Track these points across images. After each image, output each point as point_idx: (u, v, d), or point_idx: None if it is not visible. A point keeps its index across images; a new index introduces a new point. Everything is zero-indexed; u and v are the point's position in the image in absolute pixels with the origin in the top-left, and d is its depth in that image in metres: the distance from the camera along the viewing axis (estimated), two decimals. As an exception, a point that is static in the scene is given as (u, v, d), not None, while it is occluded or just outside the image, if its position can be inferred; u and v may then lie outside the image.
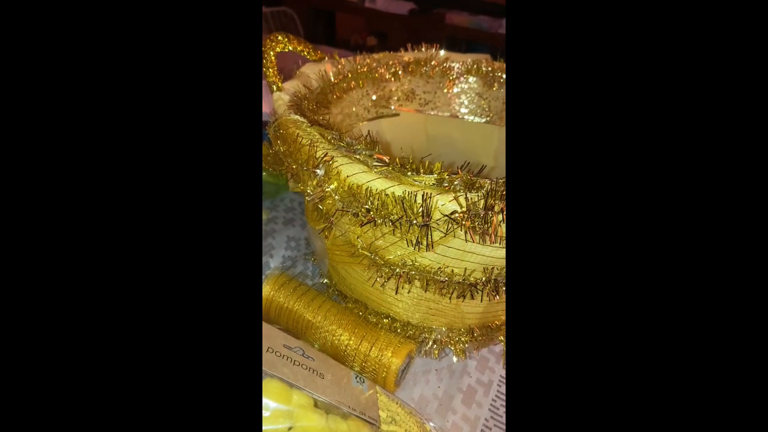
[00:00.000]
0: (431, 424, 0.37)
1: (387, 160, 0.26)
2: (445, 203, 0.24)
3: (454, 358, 0.41)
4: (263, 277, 0.46)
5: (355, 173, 0.26)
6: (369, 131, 0.29)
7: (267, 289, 0.41)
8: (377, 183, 0.25)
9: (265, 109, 0.59)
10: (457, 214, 0.23)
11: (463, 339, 0.38)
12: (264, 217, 0.53)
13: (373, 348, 0.37)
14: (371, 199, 0.25)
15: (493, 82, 0.50)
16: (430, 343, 0.38)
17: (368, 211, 0.26)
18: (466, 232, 0.24)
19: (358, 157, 0.27)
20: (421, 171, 0.25)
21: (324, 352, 0.35)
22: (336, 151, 0.27)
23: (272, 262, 0.49)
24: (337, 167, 0.26)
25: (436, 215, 0.24)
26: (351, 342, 0.38)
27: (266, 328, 0.33)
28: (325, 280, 0.43)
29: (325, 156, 0.27)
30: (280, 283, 0.42)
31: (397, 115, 0.51)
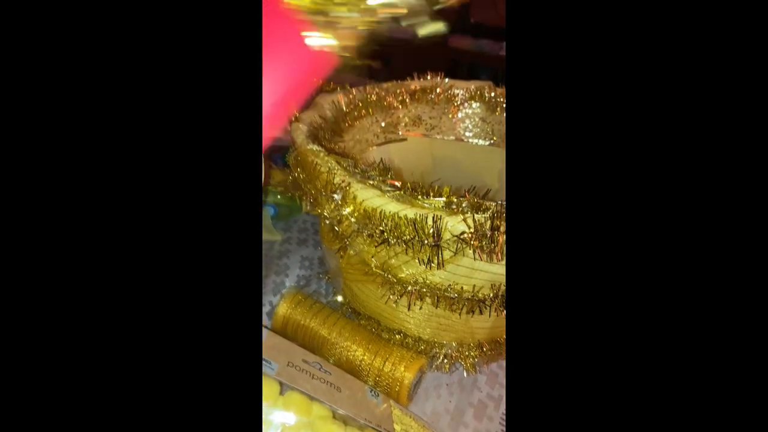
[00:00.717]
0: (444, 438, 0.38)
1: (399, 185, 0.28)
2: (454, 224, 0.26)
3: (465, 373, 0.42)
4: (280, 295, 0.48)
5: (369, 197, 0.28)
6: (381, 157, 0.32)
7: (284, 308, 0.43)
8: (390, 206, 0.27)
9: (280, 134, 0.62)
10: (465, 235, 0.25)
11: (472, 354, 0.39)
12: (278, 238, 0.55)
13: (387, 363, 0.39)
14: (385, 221, 0.28)
15: (496, 107, 0.52)
16: (441, 358, 0.39)
17: (382, 232, 0.28)
18: (474, 251, 0.26)
19: (371, 182, 0.29)
20: (431, 194, 0.27)
21: (339, 368, 0.37)
22: (352, 177, 0.29)
23: (287, 281, 0.51)
24: (353, 192, 0.28)
25: (446, 236, 0.26)
26: (365, 357, 0.39)
27: (286, 343, 0.35)
28: (339, 298, 0.45)
29: (342, 182, 0.29)
30: (296, 302, 0.43)
31: (404, 140, 0.54)
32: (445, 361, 0.40)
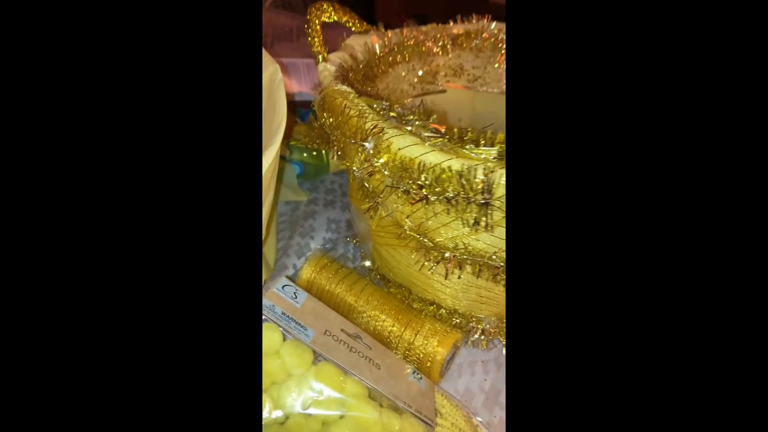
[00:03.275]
0: (478, 418, 0.35)
1: (443, 131, 0.23)
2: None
3: (503, 350, 0.39)
4: (305, 258, 0.45)
5: (407, 146, 0.24)
6: (422, 101, 0.27)
7: (308, 271, 0.40)
8: (432, 156, 0.23)
9: (304, 88, 0.58)
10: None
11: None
12: (304, 198, 0.52)
13: (418, 336, 0.35)
14: (425, 174, 0.23)
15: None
16: (478, 333, 0.36)
17: (421, 187, 0.23)
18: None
19: (410, 128, 0.24)
20: (482, 143, 0.22)
21: (366, 338, 0.34)
22: (386, 122, 0.25)
23: (313, 244, 0.48)
24: (387, 139, 0.24)
25: (499, 192, 0.22)
26: (394, 329, 0.36)
27: (324, 309, 0.32)
28: (368, 263, 0.41)
29: (374, 128, 0.25)
30: (321, 265, 0.40)
31: (444, 91, 0.48)
32: (483, 337, 0.36)
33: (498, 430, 0.35)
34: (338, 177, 0.56)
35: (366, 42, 0.38)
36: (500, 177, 0.21)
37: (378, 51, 0.39)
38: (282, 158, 0.50)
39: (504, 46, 0.48)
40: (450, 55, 0.47)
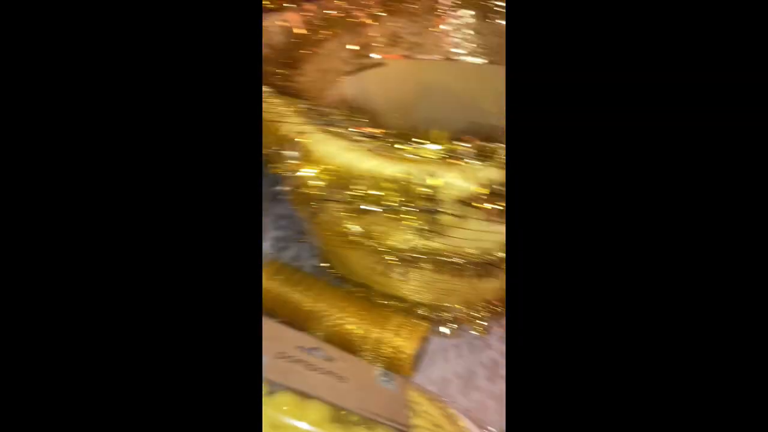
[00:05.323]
0: (455, 407, 0.34)
1: (375, 133, 0.20)
2: (456, 182, 0.19)
3: (474, 333, 0.38)
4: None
5: (336, 151, 0.21)
6: (353, 90, 0.24)
7: (262, 280, 0.37)
8: (366, 162, 0.20)
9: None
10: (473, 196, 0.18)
11: (482, 314, 0.34)
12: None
13: (385, 333, 0.34)
14: (359, 182, 0.20)
15: (489, 14, 0.43)
16: (446, 324, 0.34)
17: (356, 198, 0.21)
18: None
19: (337, 130, 0.21)
20: (421, 141, 0.20)
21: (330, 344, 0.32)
22: (310, 125, 0.21)
23: (264, 247, 0.44)
24: (313, 146, 0.21)
25: (447, 197, 0.19)
26: (359, 330, 0.34)
27: (274, 327, 0.30)
28: (322, 264, 0.39)
29: (297, 133, 0.21)
30: (272, 272, 0.37)
31: (382, 64, 0.44)
32: (454, 324, 0.35)
33: (476, 414, 0.35)
34: (283, 166, 0.52)
35: (283, 21, 0.34)
36: (449, 181, 0.19)
37: (300, 30, 0.35)
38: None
39: (440, 6, 0.44)
40: (383, 23, 0.42)
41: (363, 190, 0.20)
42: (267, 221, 0.47)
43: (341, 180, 0.21)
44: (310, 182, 0.21)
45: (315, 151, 0.21)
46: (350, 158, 0.20)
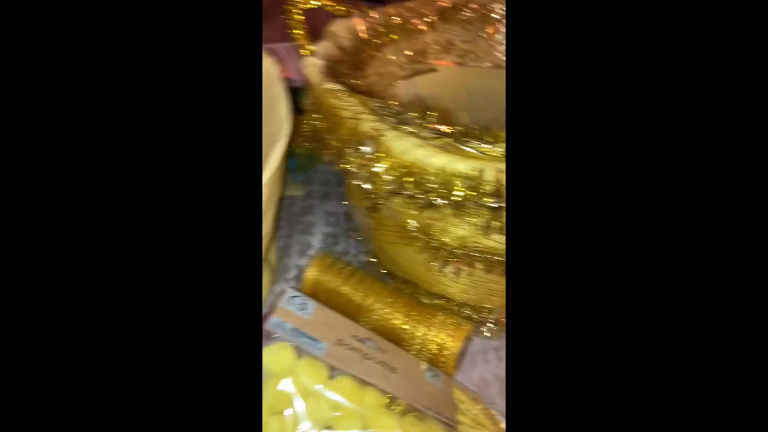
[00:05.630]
0: (494, 408, 0.34)
1: (447, 130, 0.21)
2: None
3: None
4: (307, 258, 0.44)
5: (408, 148, 0.22)
6: (412, 93, 0.25)
7: (313, 272, 0.39)
8: (437, 159, 0.21)
9: (287, 74, 0.55)
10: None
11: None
12: (300, 193, 0.50)
13: (430, 331, 0.35)
14: (429, 177, 0.22)
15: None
16: (490, 324, 0.35)
17: (426, 191, 0.22)
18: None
19: (410, 128, 0.23)
20: (490, 140, 0.21)
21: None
22: (384, 123, 0.23)
23: (313, 241, 0.46)
24: (386, 142, 0.22)
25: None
26: (405, 326, 0.35)
27: (335, 317, 0.31)
28: (372, 259, 0.40)
29: (371, 130, 0.23)
30: (325, 266, 0.39)
31: (435, 70, 0.46)
32: (495, 326, 0.35)
33: (517, 416, 0.35)
34: (332, 166, 0.54)
35: (350, 27, 0.36)
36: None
37: (364, 35, 0.37)
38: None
39: (493, 15, 0.45)
40: (438, 31, 0.44)
41: (432, 185, 0.21)
42: (317, 217, 0.49)
43: (411, 175, 0.22)
44: (382, 177, 0.23)
45: (388, 147, 0.22)
46: (421, 154, 0.22)
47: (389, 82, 0.43)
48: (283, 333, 0.27)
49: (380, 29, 0.39)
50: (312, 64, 0.29)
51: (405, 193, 0.23)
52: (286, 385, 0.25)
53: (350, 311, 0.37)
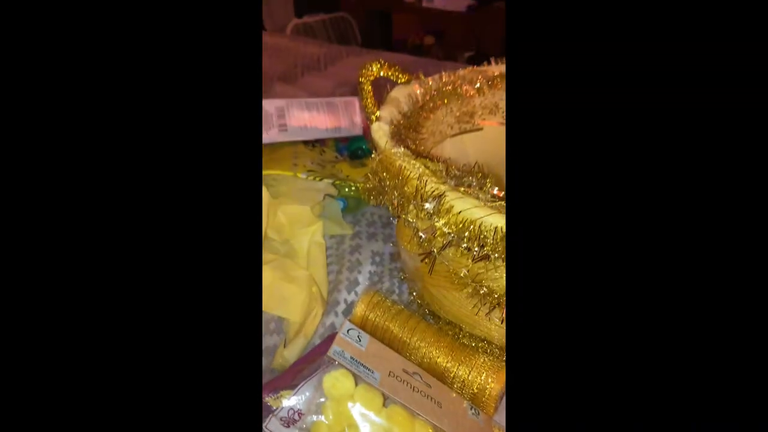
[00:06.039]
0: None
1: (502, 195, 0.25)
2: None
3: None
4: (354, 294, 0.47)
5: (467, 208, 0.26)
6: (476, 163, 0.29)
7: (362, 308, 0.42)
8: (493, 219, 0.25)
9: (341, 123, 0.60)
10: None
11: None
12: (349, 232, 0.54)
13: (472, 372, 0.37)
14: (486, 234, 0.25)
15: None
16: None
17: (482, 246, 0.26)
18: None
19: (469, 191, 0.26)
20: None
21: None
22: (445, 185, 0.27)
23: (360, 278, 0.50)
24: (448, 202, 0.26)
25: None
26: (448, 365, 0.38)
27: (386, 351, 0.34)
28: (417, 299, 0.43)
29: (434, 190, 0.27)
30: (374, 303, 0.42)
31: (480, 129, 0.50)
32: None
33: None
34: (377, 209, 0.58)
35: (409, 93, 0.41)
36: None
37: (420, 100, 0.42)
38: (329, 195, 0.53)
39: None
40: (486, 95, 0.49)
41: (488, 239, 0.25)
42: (364, 256, 0.52)
43: (466, 230, 0.26)
44: (442, 230, 0.26)
45: (450, 206, 0.26)
46: (479, 213, 0.25)
47: (438, 139, 0.47)
48: (343, 361, 0.30)
49: (435, 94, 0.44)
50: (380, 129, 0.34)
51: (463, 246, 0.26)
52: (346, 408, 0.28)
53: (396, 348, 0.40)
